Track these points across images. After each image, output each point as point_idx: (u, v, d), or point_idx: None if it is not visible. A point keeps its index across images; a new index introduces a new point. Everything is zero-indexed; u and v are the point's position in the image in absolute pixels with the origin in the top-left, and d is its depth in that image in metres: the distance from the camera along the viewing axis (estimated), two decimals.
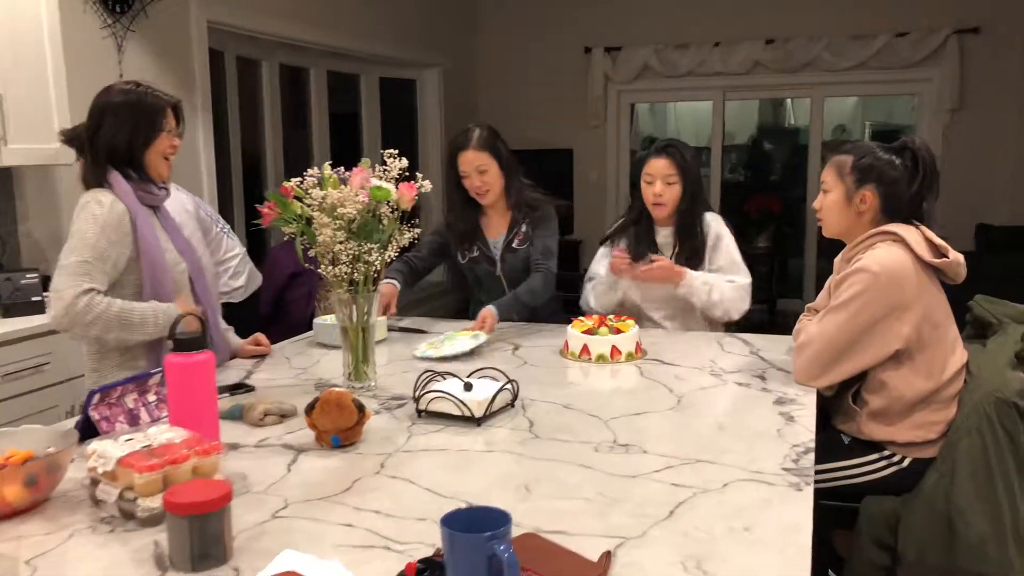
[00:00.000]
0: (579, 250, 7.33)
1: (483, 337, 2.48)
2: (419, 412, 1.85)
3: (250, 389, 2.08)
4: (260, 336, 2.43)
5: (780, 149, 9.10)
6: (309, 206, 1.94)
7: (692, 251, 2.77)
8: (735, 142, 8.48)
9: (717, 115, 7.32)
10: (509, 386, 1.88)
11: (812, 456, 1.59)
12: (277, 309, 4.30)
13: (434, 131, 7.04)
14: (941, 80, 6.50)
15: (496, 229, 2.95)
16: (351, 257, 1.94)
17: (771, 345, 2.49)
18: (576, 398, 1.98)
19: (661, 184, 2.73)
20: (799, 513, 1.33)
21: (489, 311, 2.68)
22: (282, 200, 1.94)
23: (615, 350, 2.32)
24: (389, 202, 1.97)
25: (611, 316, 2.48)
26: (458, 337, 2.46)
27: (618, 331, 2.35)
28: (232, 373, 2.25)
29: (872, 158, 2.06)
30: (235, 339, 2.45)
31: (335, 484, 1.48)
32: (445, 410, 1.81)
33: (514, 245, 2.90)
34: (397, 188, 1.97)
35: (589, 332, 2.35)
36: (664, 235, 2.84)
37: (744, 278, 2.73)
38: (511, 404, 1.91)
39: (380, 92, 6.61)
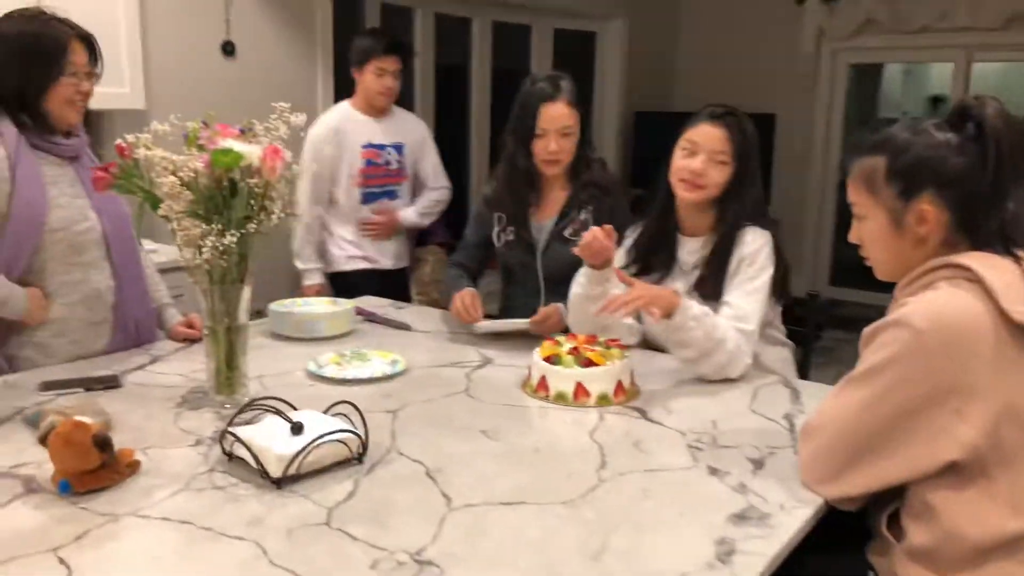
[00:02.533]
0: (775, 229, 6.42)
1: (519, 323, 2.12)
2: (227, 454, 1.40)
3: (114, 385, 1.74)
4: (194, 317, 2.09)
5: None
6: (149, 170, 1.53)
7: (718, 272, 2.00)
8: None
9: (958, 81, 6.02)
10: (350, 435, 1.38)
11: None
12: None
13: (613, 93, 6.41)
14: None
15: (546, 209, 2.38)
16: (199, 237, 1.51)
17: None
18: (461, 461, 1.43)
19: (706, 159, 1.98)
20: None
21: (558, 309, 2.17)
22: (123, 162, 1.54)
23: (580, 389, 1.72)
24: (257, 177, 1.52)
25: (603, 339, 1.86)
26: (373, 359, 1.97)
27: (590, 362, 1.73)
28: (118, 361, 1.92)
29: (920, 148, 1.29)
30: (172, 317, 2.13)
31: (23, 545, 1.09)
32: (248, 457, 1.35)
33: (566, 234, 2.32)
34: (264, 155, 1.51)
35: (549, 359, 1.76)
36: (691, 248, 2.09)
37: (750, 324, 1.92)
38: (358, 459, 1.40)
39: (553, 47, 6.07)
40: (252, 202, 1.54)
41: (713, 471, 1.42)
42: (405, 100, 5.13)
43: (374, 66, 3.20)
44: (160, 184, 1.47)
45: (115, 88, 3.16)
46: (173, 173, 1.46)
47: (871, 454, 1.28)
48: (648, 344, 2.19)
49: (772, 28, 6.49)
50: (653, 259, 2.11)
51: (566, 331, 2.21)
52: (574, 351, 1.77)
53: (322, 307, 2.26)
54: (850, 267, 6.27)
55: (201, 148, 1.50)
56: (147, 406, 1.64)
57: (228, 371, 1.63)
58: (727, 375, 1.88)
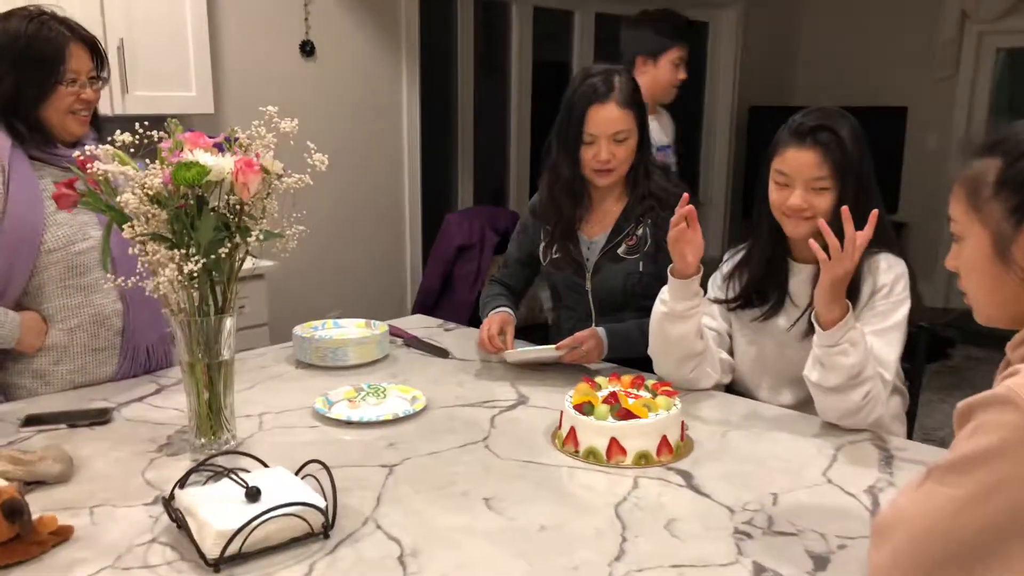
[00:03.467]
0: (905, 236, 5.86)
1: (548, 351, 1.87)
2: (175, 521, 1.20)
3: (103, 421, 1.59)
4: None
5: None
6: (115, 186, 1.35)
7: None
8: None
9: None
10: (309, 508, 1.16)
11: None
12: (445, 283, 3.82)
13: (726, 90, 5.99)
14: None
15: (597, 224, 2.09)
16: (161, 263, 1.32)
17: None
18: (447, 540, 1.18)
19: (803, 192, 1.66)
20: None
21: (595, 334, 1.91)
22: (85, 176, 1.37)
23: (615, 446, 1.43)
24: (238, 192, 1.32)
25: (649, 383, 1.57)
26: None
27: (628, 414, 1.44)
28: (121, 390, 1.77)
29: None
30: None
31: None
32: (193, 529, 1.15)
33: (620, 252, 2.04)
34: (237, 168, 1.30)
35: (580, 407, 1.48)
36: (805, 277, 1.75)
37: (888, 371, 1.61)
38: (323, 534, 1.18)
39: None
40: (231, 221, 1.34)
41: (760, 570, 1.11)
42: (497, 103, 4.95)
43: (674, 56, 2.83)
44: (123, 202, 1.29)
45: (182, 92, 3.09)
46: (139, 189, 1.28)
47: (960, 571, 0.95)
48: (736, 386, 1.88)
49: (907, 11, 5.91)
50: (760, 290, 1.80)
51: (622, 362, 1.93)
52: (611, 398, 1.48)
53: (353, 330, 2.06)
54: None
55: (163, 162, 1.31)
56: (124, 447, 1.47)
57: (210, 412, 1.44)
58: (854, 423, 1.58)
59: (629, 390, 1.56)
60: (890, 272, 1.67)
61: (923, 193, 5.81)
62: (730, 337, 1.88)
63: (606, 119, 1.94)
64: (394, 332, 2.12)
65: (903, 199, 5.92)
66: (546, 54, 5.12)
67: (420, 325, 2.31)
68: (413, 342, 2.11)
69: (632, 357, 1.94)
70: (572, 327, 2.07)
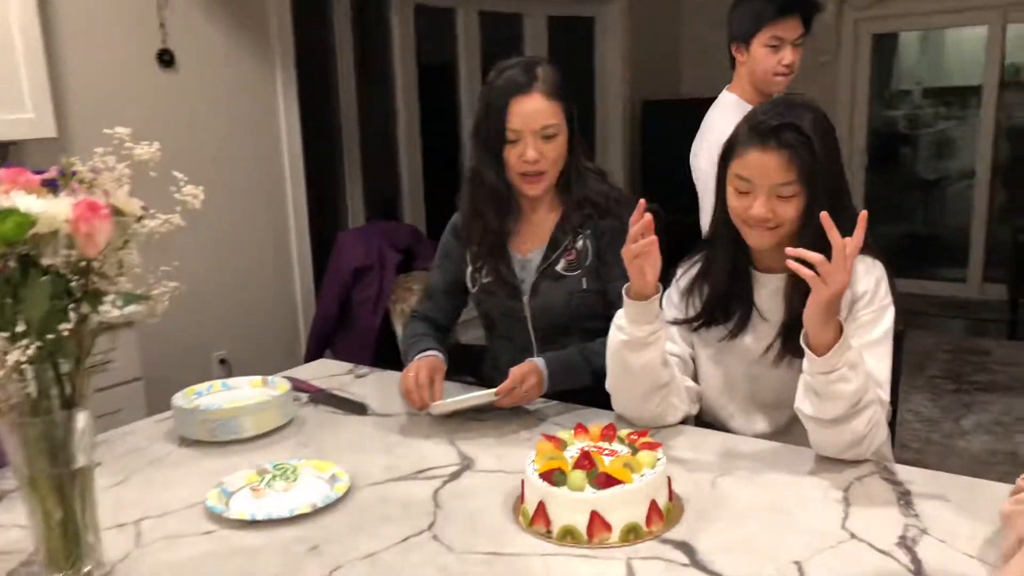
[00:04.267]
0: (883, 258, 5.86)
1: (483, 396, 1.58)
2: None
3: None
4: None
5: None
6: None
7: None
8: (1019, 78, 6.41)
9: (994, 45, 5.43)
10: None
11: None
12: (343, 310, 3.47)
13: (615, 83, 5.82)
14: None
15: (530, 239, 1.82)
16: None
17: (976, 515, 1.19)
18: None
19: (766, 199, 1.43)
20: None
21: (535, 368, 1.63)
22: None
23: (597, 521, 1.16)
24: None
25: (623, 434, 1.31)
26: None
27: (609, 480, 1.17)
28: None
29: None
30: None
31: None
32: None
33: (559, 269, 1.77)
34: (76, 214, 0.96)
35: (549, 476, 1.20)
36: (773, 288, 1.53)
37: (884, 391, 1.40)
38: None
39: (549, 35, 5.48)
40: (73, 285, 0.99)
41: None
42: (383, 110, 4.62)
43: (767, 35, 2.34)
44: None
45: (15, 114, 2.63)
46: None
47: None
48: (703, 415, 1.64)
49: None
50: (725, 306, 1.56)
51: (564, 395, 1.66)
52: (585, 461, 1.20)
53: (247, 392, 1.71)
54: (892, 252, 5.70)
55: None
56: None
57: (64, 537, 1.08)
58: (856, 454, 1.37)
59: (600, 445, 1.29)
60: (870, 276, 1.46)
61: None
62: (694, 361, 1.64)
63: (531, 112, 1.67)
64: (297, 387, 1.79)
65: None
66: (430, 56, 4.82)
67: (326, 373, 1.97)
68: (321, 397, 1.77)
69: (576, 388, 1.69)
70: (511, 359, 1.79)
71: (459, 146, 4.95)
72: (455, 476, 1.40)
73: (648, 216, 1.39)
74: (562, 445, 1.29)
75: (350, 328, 3.43)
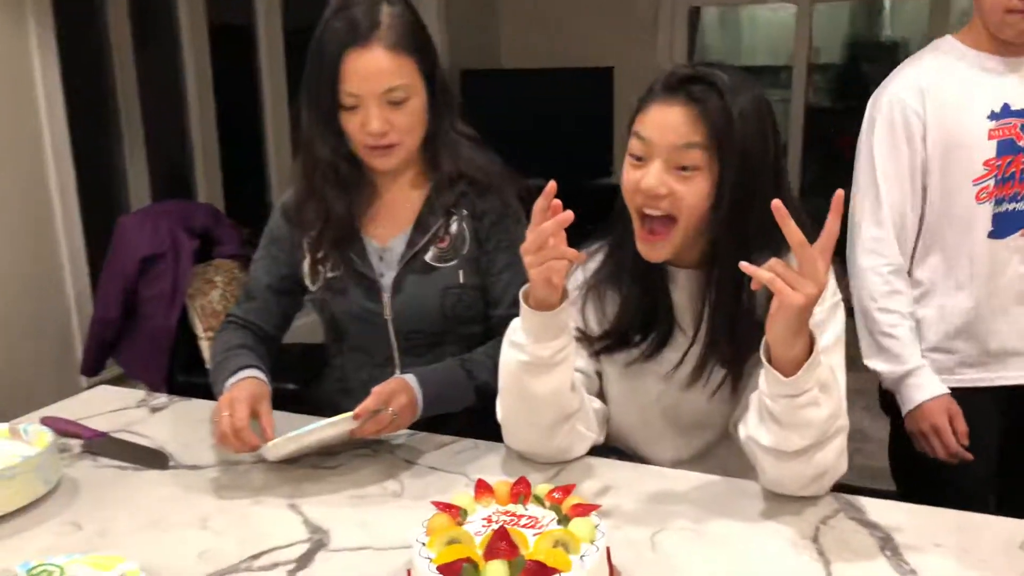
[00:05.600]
0: (621, 199, 5.77)
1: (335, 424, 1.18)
2: None
3: None
4: None
5: (877, 68, 7.31)
6: None
7: (730, 331, 1.16)
8: (822, 60, 6.71)
9: (803, 24, 5.55)
10: None
11: None
12: (128, 310, 2.89)
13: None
14: None
15: (390, 223, 1.43)
16: None
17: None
18: None
19: (662, 167, 1.12)
20: None
21: (403, 384, 1.25)
22: None
23: None
24: None
25: (542, 492, 0.97)
26: None
27: (542, 571, 0.82)
28: None
29: None
30: None
31: None
32: None
33: (428, 259, 1.39)
34: None
35: (453, 572, 0.83)
36: (684, 288, 1.23)
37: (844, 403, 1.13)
38: None
39: None
40: None
41: None
42: (170, 72, 3.98)
43: None
44: None
45: None
46: None
47: None
48: (611, 441, 1.33)
49: None
50: (640, 323, 1.24)
51: (430, 423, 1.30)
52: (501, 543, 0.85)
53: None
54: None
55: None
56: None
57: None
58: (817, 489, 1.10)
59: (513, 511, 0.94)
60: None
61: None
62: (599, 376, 1.32)
63: (371, 71, 1.28)
64: (65, 431, 1.30)
65: (616, 160, 5.86)
66: (224, 15, 4.20)
67: (107, 407, 1.48)
68: (102, 445, 1.30)
69: (452, 407, 1.34)
70: (367, 377, 1.40)
71: (261, 114, 4.39)
72: (305, 561, 1.00)
73: (565, 212, 1.05)
74: (461, 515, 0.93)
75: (138, 331, 2.85)
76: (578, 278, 1.31)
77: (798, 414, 1.02)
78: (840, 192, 1.01)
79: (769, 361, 1.03)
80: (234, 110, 4.26)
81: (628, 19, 5.74)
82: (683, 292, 1.24)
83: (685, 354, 1.22)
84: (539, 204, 1.05)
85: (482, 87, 5.33)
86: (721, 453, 1.28)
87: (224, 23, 4.23)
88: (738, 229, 1.12)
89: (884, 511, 1.09)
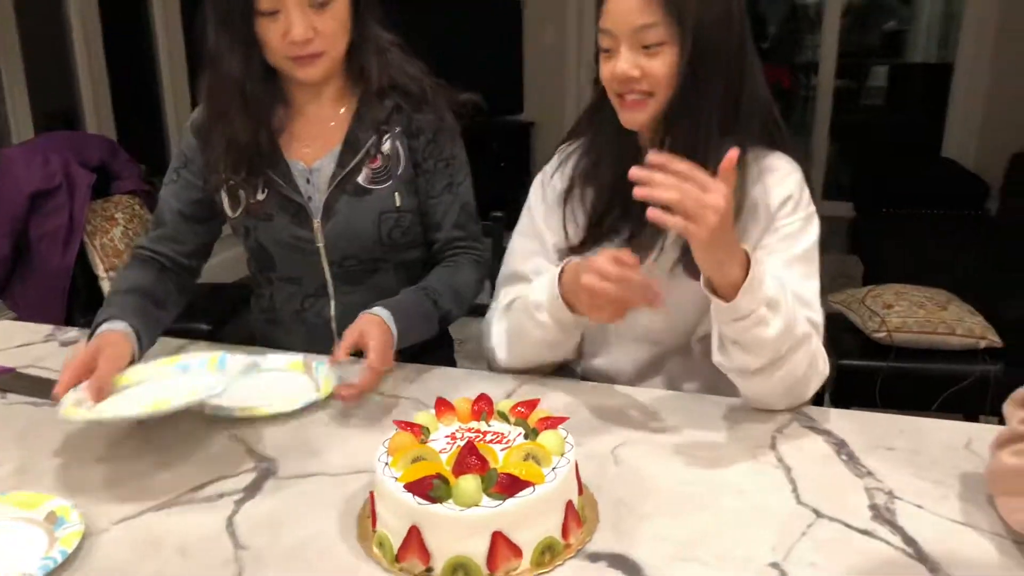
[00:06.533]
0: (531, 136, 5.71)
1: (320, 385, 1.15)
2: None
3: None
4: None
5: (774, 11, 7.42)
6: None
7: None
8: None
9: None
10: None
11: None
12: (19, 249, 2.69)
13: None
14: None
15: (316, 142, 1.33)
16: None
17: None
18: None
19: (631, 53, 1.11)
20: None
21: (376, 321, 1.16)
22: None
23: (502, 546, 0.78)
24: None
25: (505, 408, 0.93)
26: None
27: (515, 484, 0.79)
28: None
29: None
30: None
31: None
32: None
33: (361, 181, 1.30)
34: None
35: (423, 489, 0.79)
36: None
37: (817, 313, 1.13)
38: None
39: None
40: None
41: None
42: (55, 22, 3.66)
43: None
44: None
45: None
46: None
47: None
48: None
49: None
50: (620, 212, 1.20)
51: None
52: (471, 458, 0.81)
53: None
54: None
55: None
56: None
57: None
58: (797, 398, 1.11)
59: (477, 427, 0.91)
60: (790, 179, 1.17)
61: (545, 90, 5.68)
62: None
63: None
64: None
65: (526, 97, 5.79)
66: None
67: (11, 342, 1.36)
68: (11, 381, 1.19)
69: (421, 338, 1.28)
70: (301, 308, 1.33)
71: (152, 40, 4.12)
72: (253, 491, 0.93)
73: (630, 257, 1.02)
74: (424, 433, 0.88)
75: (31, 272, 2.66)
76: (556, 186, 1.27)
77: (749, 334, 1.02)
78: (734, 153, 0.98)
79: (710, 290, 1.01)
80: (123, 35, 3.98)
81: None
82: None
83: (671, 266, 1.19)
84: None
85: (389, 19, 5.13)
86: (670, 368, 1.27)
87: None
88: (701, 107, 1.11)
89: (833, 419, 1.10)
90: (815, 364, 1.08)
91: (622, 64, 1.11)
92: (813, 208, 1.18)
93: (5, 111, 3.51)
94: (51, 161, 2.66)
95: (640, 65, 1.11)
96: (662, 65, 1.10)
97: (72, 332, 1.42)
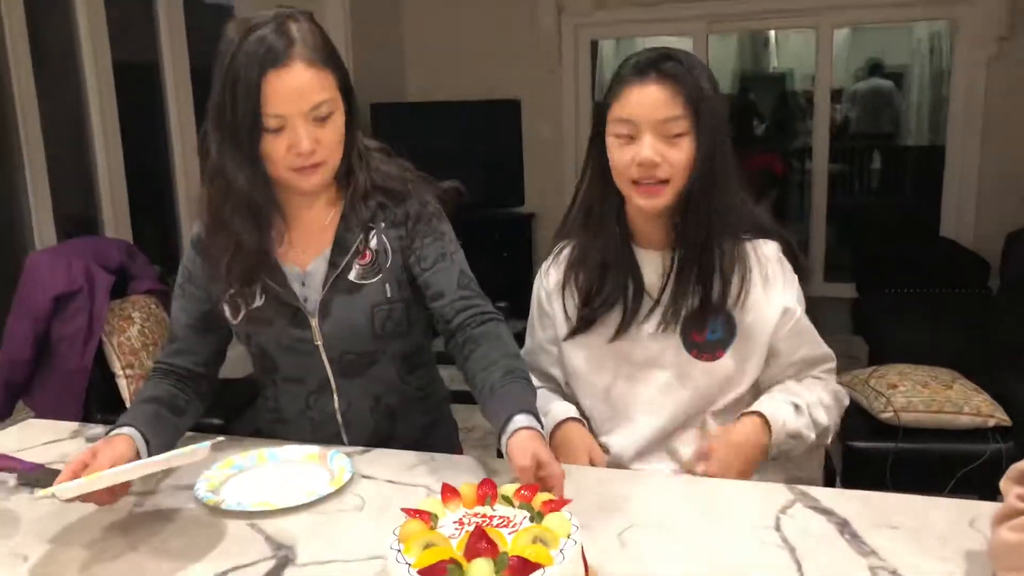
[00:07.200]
0: (532, 226, 5.84)
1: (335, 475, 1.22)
2: None
3: None
4: None
5: (765, 98, 7.69)
6: None
7: (701, 299, 1.31)
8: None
9: (699, 54, 5.78)
10: None
11: None
12: (41, 351, 2.76)
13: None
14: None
15: (308, 246, 1.38)
16: None
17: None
18: None
19: (654, 139, 1.24)
20: None
21: (533, 436, 1.14)
22: None
23: None
24: None
25: (509, 492, 0.97)
26: None
27: (525, 567, 0.83)
28: None
29: None
30: None
31: None
32: None
33: (352, 278, 1.36)
34: None
35: (436, 573, 0.82)
36: (653, 270, 1.35)
37: (830, 360, 1.34)
38: None
39: None
40: None
41: None
42: (72, 111, 3.84)
43: None
44: None
45: None
46: None
47: None
48: None
49: (506, 4, 5.88)
50: (610, 282, 1.35)
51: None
52: (481, 542, 0.85)
53: None
54: None
55: None
56: None
57: None
58: (823, 440, 1.38)
59: (482, 512, 0.94)
60: (768, 248, 1.35)
61: (545, 182, 5.84)
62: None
63: (295, 89, 1.22)
64: None
65: (527, 189, 5.94)
66: (129, 54, 4.08)
67: (37, 440, 1.41)
68: (37, 476, 1.23)
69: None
70: (306, 406, 1.38)
71: (168, 152, 4.29)
72: None
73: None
74: (432, 520, 0.92)
75: (51, 372, 2.72)
76: (551, 281, 1.42)
77: (790, 451, 1.31)
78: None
79: None
80: (141, 148, 4.14)
81: (533, 52, 5.86)
82: (649, 269, 1.35)
83: (651, 311, 1.34)
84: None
85: (393, 120, 5.31)
86: (683, 436, 1.35)
87: (129, 61, 4.13)
88: (712, 184, 1.26)
89: (836, 499, 1.13)
90: (833, 408, 1.34)
91: (647, 151, 1.23)
92: (788, 266, 1.35)
93: (29, 218, 3.64)
94: (73, 265, 2.75)
95: (663, 153, 1.24)
96: (682, 154, 1.24)
97: (98, 429, 1.47)
